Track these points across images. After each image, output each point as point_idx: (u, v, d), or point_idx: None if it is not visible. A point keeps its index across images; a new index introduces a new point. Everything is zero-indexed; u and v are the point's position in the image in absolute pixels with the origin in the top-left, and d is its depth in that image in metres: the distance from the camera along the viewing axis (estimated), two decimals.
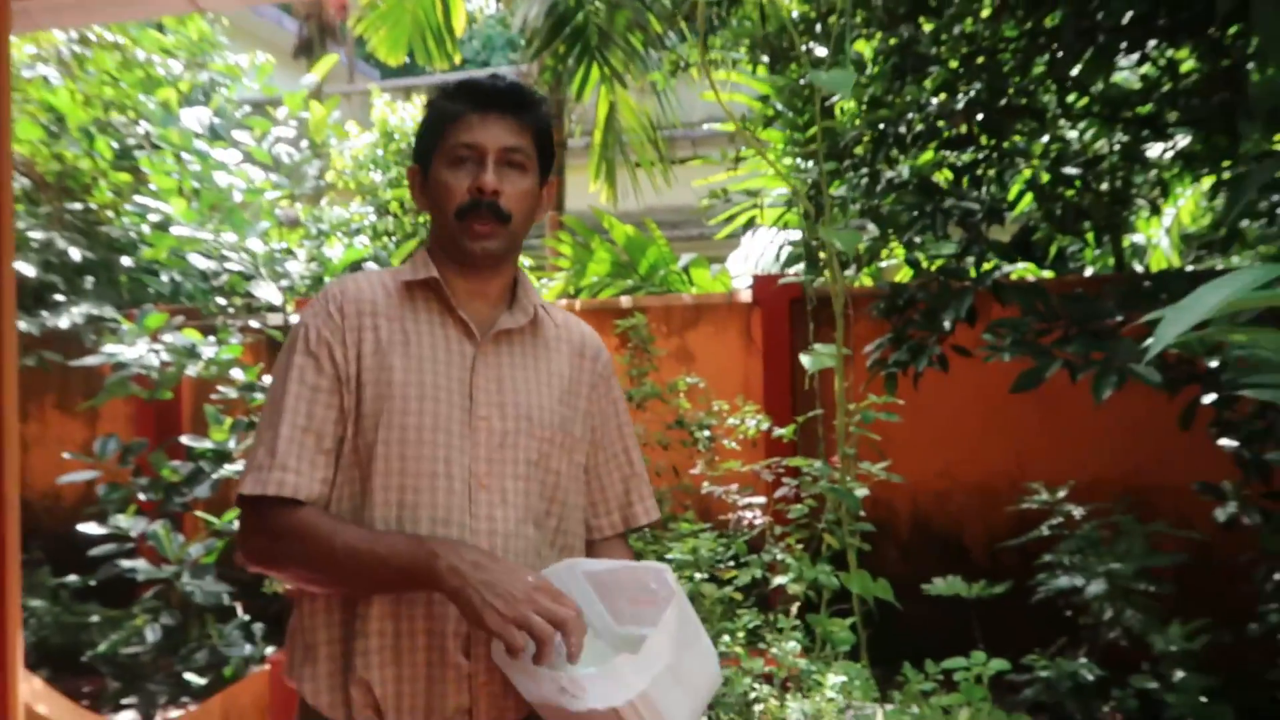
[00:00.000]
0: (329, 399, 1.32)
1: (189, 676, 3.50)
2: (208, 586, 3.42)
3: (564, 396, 1.41)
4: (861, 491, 2.24)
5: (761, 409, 3.74)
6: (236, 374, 4.11)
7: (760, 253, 5.87)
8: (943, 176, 3.06)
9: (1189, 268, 4.82)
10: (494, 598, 1.15)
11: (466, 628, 1.26)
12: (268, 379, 4.19)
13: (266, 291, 4.06)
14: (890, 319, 3.24)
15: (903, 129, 2.90)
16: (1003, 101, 2.97)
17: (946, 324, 2.83)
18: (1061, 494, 3.15)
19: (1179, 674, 3.20)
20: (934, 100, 3.01)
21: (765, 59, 4.89)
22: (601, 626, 1.26)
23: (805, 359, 2.17)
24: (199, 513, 3.90)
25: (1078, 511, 3.07)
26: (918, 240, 3.22)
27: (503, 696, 1.29)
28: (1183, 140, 3.99)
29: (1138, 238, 5.28)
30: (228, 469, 3.72)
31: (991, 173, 3.09)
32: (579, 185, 6.13)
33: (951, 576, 3.35)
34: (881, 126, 2.90)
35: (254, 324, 4.17)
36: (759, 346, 4.68)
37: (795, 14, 4.58)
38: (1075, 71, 3.36)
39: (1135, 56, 3.67)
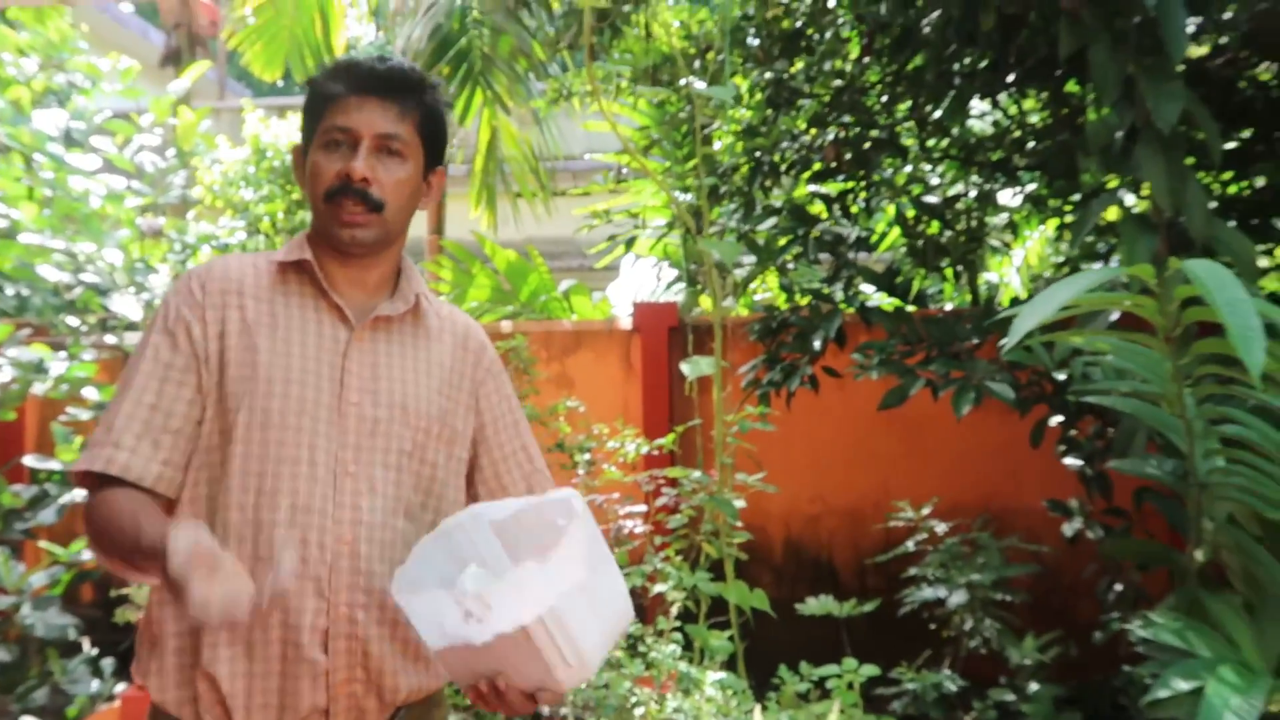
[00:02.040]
0: (182, 377, 1.27)
1: (26, 719, 3.24)
2: (51, 619, 3.18)
3: (444, 387, 1.38)
4: (739, 502, 2.29)
5: (641, 433, 3.79)
6: (89, 393, 3.87)
7: (639, 281, 5.97)
8: (814, 208, 3.20)
9: None
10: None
11: (325, 623, 1.22)
12: None
13: (126, 305, 3.85)
14: (764, 342, 3.34)
15: (777, 158, 3.02)
16: (870, 135, 3.13)
17: (817, 344, 2.94)
18: (926, 511, 3.30)
19: (1033, 685, 3.38)
20: (806, 133, 3.15)
21: (644, 90, 5.02)
22: (497, 567, 1.20)
23: (685, 366, 2.22)
24: (42, 543, 3.64)
25: (940, 528, 3.22)
26: (790, 266, 3.34)
27: (364, 696, 1.25)
28: (1030, 185, 4.30)
29: (991, 276, 5.62)
30: (77, 493, 3.49)
31: (859, 203, 3.24)
32: (459, 211, 6.08)
33: (824, 596, 3.47)
34: (757, 155, 3.01)
35: (110, 340, 3.95)
36: (638, 372, 4.74)
37: (676, 48, 4.73)
38: (936, 115, 3.59)
39: (987, 104, 3.95)
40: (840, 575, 4.58)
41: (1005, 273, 5.49)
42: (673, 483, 2.57)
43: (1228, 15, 2.79)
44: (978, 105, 4.25)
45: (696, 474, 2.40)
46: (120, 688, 3.59)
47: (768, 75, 3.39)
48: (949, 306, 5.50)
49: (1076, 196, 4.06)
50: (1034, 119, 4.06)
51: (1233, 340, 1.24)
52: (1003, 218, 4.60)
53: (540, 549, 1.18)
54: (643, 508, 2.58)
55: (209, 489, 1.26)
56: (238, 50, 6.13)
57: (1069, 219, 4.22)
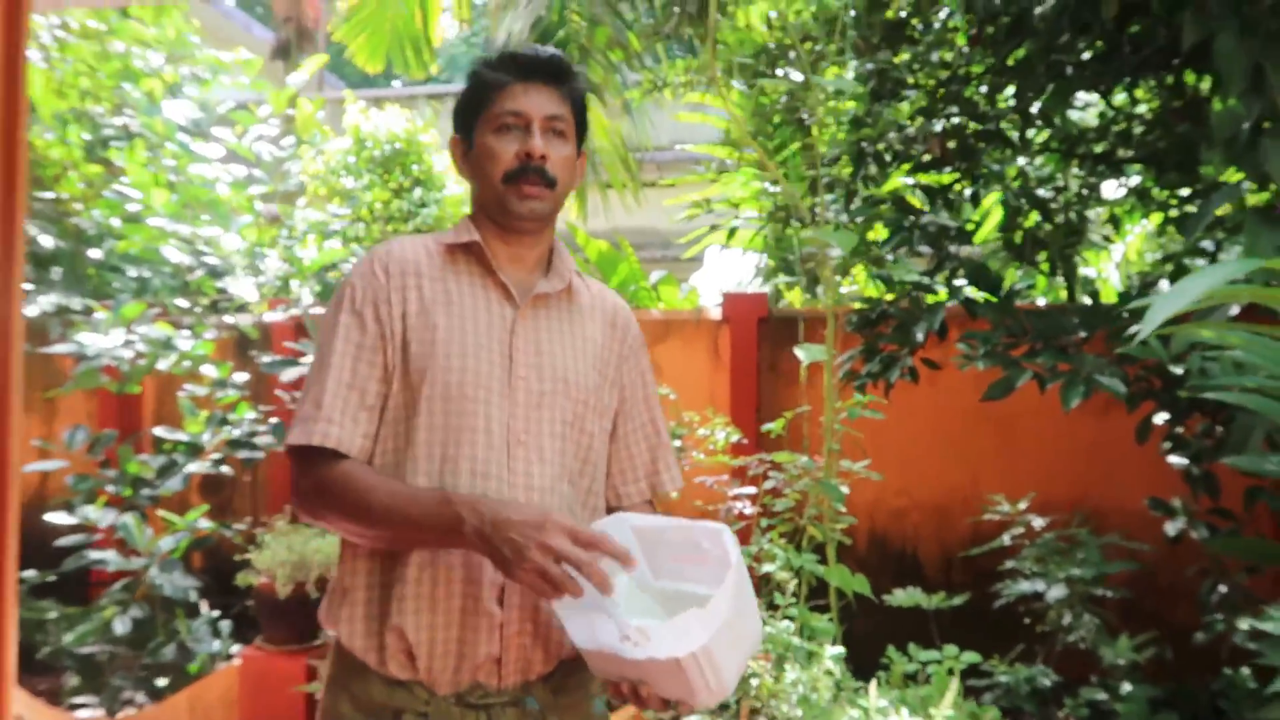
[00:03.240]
0: (372, 356, 1.37)
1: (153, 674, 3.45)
2: (177, 580, 3.38)
3: (596, 362, 1.46)
4: (844, 487, 2.33)
5: (730, 421, 3.83)
6: (207, 370, 4.08)
7: (724, 272, 6.00)
8: (914, 200, 3.19)
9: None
10: (514, 554, 1.19)
11: (502, 579, 1.31)
12: (238, 376, 4.19)
13: (243, 288, 4.04)
14: (862, 333, 3.35)
15: (881, 148, 3.03)
16: (975, 127, 3.12)
17: (919, 336, 2.95)
18: (1023, 505, 3.28)
19: (1126, 685, 3.34)
20: (910, 124, 3.15)
21: (740, 84, 5.04)
22: (640, 579, 1.30)
23: (799, 352, 2.26)
24: (162, 512, 3.86)
25: (1037, 522, 3.20)
26: (889, 258, 3.35)
27: (532, 648, 1.34)
28: (1135, 178, 4.21)
29: (1088, 272, 5.50)
30: (200, 464, 3.69)
31: (965, 193, 3.23)
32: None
33: (911, 588, 3.48)
34: (862, 146, 3.02)
35: (228, 320, 4.15)
36: (726, 362, 4.78)
37: (772, 43, 4.75)
38: (1037, 106, 3.54)
39: (1091, 95, 3.88)
40: (924, 569, 4.56)
41: (1104, 268, 5.38)
42: (778, 467, 2.62)
43: None
44: (1081, 96, 4.18)
45: (804, 459, 2.45)
46: (236, 648, 3.80)
47: (869, 66, 3.40)
48: (1041, 302, 5.43)
49: (1184, 191, 3.98)
50: (1141, 110, 3.98)
51: None
52: (1102, 211, 4.52)
53: (678, 560, 1.28)
54: (752, 490, 2.64)
55: (395, 457, 1.36)
56: (340, 43, 6.35)
57: (1174, 213, 4.13)
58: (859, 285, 5.12)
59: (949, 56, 3.13)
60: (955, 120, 3.19)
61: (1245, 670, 3.19)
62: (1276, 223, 2.31)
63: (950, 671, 2.20)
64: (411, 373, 1.36)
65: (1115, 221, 4.60)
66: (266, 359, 4.07)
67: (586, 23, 4.96)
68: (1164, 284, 5.34)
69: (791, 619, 2.09)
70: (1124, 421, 3.56)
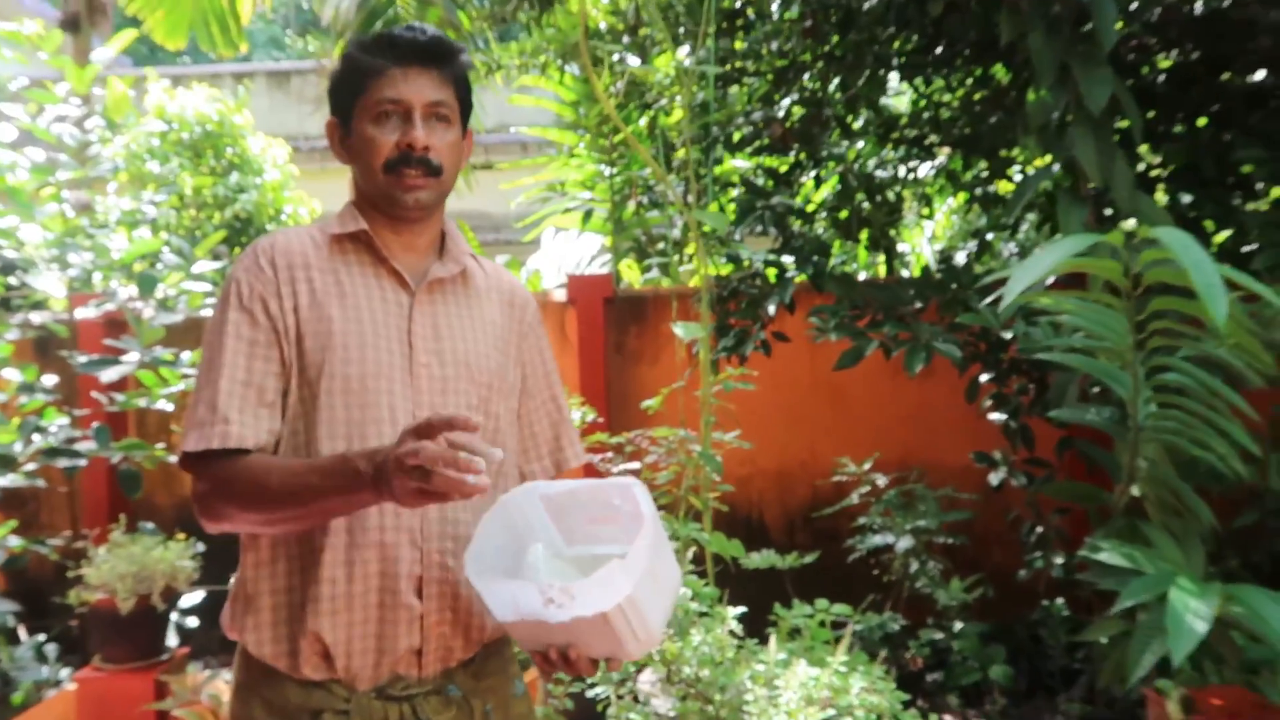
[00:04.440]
0: (267, 352, 1.32)
1: None
2: None
3: (497, 343, 1.45)
4: (717, 458, 2.44)
5: (585, 401, 3.89)
6: (9, 374, 3.72)
7: (565, 255, 6.03)
8: (767, 182, 3.35)
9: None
10: (393, 481, 1.10)
11: (419, 570, 1.30)
12: (47, 379, 3.84)
13: (48, 283, 3.70)
14: (712, 309, 3.49)
15: (735, 135, 3.15)
16: (815, 113, 3.30)
17: (771, 310, 3.10)
18: (867, 466, 3.52)
19: (959, 624, 3.68)
20: (754, 109, 3.29)
21: (572, 67, 5.07)
22: (554, 547, 1.31)
23: (678, 329, 2.33)
24: None
25: (880, 481, 3.44)
26: (736, 237, 3.49)
27: (452, 636, 1.33)
28: (942, 160, 4.58)
29: (902, 246, 5.92)
30: (11, 476, 3.36)
31: (806, 175, 3.41)
32: None
33: (765, 550, 3.67)
34: (711, 131, 3.14)
35: (34, 318, 3.79)
36: (573, 343, 4.83)
37: (604, 25, 4.80)
38: (860, 92, 3.79)
39: (904, 84, 4.19)
40: (770, 532, 4.80)
41: (917, 243, 5.81)
42: (654, 442, 2.70)
43: (1133, 6, 3.08)
44: (893, 85, 4.50)
45: (682, 432, 2.54)
46: (65, 672, 3.51)
47: (701, 52, 3.52)
48: (862, 275, 5.80)
49: (985, 172, 4.38)
50: (948, 98, 4.34)
51: (1201, 295, 1.44)
52: (917, 192, 4.89)
53: (591, 522, 1.29)
54: (636, 465, 2.70)
55: (296, 455, 1.31)
56: (139, 16, 5.88)
57: (979, 192, 4.54)
58: (694, 264, 5.30)
59: (786, 46, 3.29)
60: (794, 106, 3.36)
61: (1060, 601, 3.58)
62: (1084, 202, 2.60)
63: (821, 624, 2.36)
64: (308, 368, 1.31)
65: (927, 200, 4.98)
66: (82, 359, 3.75)
67: (417, 2, 4.85)
68: (960, 256, 5.86)
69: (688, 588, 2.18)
70: (942, 384, 3.89)
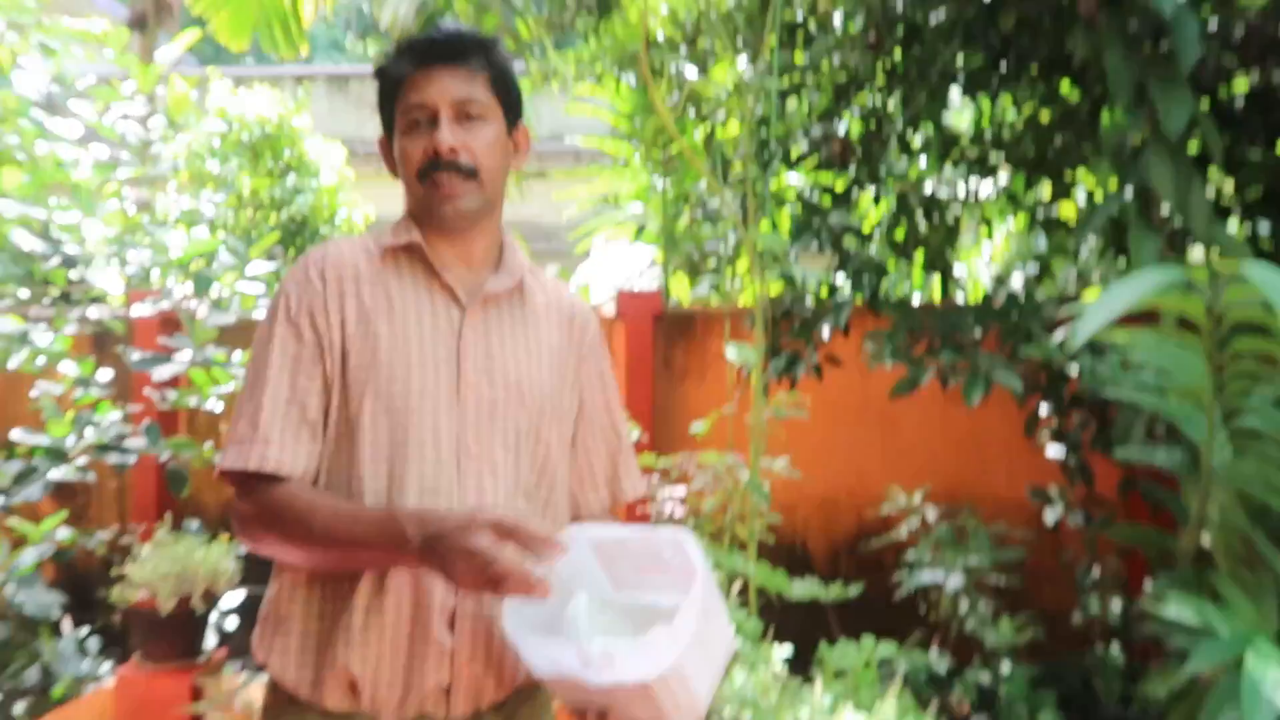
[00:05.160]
0: (311, 369, 1.28)
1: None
2: (39, 597, 3.11)
3: (553, 366, 1.38)
4: (765, 486, 2.36)
5: (631, 419, 3.83)
6: (66, 367, 3.78)
7: (614, 267, 5.98)
8: (825, 199, 3.27)
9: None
10: (450, 561, 1.10)
11: (453, 603, 1.24)
12: (102, 373, 3.88)
13: (107, 279, 3.75)
14: (766, 331, 3.41)
15: (794, 150, 3.08)
16: (876, 130, 3.21)
17: (825, 332, 3.01)
18: (918, 498, 3.41)
19: (1007, 666, 3.54)
20: (814, 124, 3.21)
21: (629, 77, 5.03)
22: (601, 595, 1.24)
23: (731, 351, 2.26)
24: (12, 521, 3.54)
25: (931, 514, 3.33)
26: (791, 256, 3.41)
27: (484, 676, 1.27)
28: (1002, 180, 4.44)
29: (959, 268, 5.78)
30: (63, 469, 3.40)
31: (866, 193, 3.32)
32: None
33: (809, 579, 3.57)
34: (770, 146, 3.06)
35: (91, 314, 3.84)
36: (621, 360, 4.78)
37: (662, 35, 4.75)
38: (920, 109, 3.68)
39: (967, 100, 4.07)
40: (814, 561, 4.70)
41: (974, 266, 5.66)
42: (702, 467, 2.63)
43: (1214, 25, 2.94)
44: (954, 101, 4.38)
45: (730, 458, 2.47)
46: (106, 666, 3.53)
47: (762, 65, 3.45)
48: (916, 297, 5.67)
49: (1046, 194, 4.24)
50: (1011, 116, 4.21)
51: None
52: (976, 213, 4.75)
53: (641, 572, 1.22)
54: (682, 490, 2.63)
55: (340, 476, 1.27)
56: (204, 16, 5.98)
57: (1040, 215, 4.39)
58: (743, 283, 5.22)
59: (849, 61, 3.21)
60: (856, 122, 3.27)
61: (1115, 647, 3.43)
62: (1156, 230, 2.48)
63: (867, 663, 2.26)
64: (351, 385, 1.27)
65: (986, 221, 4.84)
66: (136, 355, 3.79)
67: (474, 8, 4.85)
68: (1016, 279, 5.70)
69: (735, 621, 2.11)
70: (996, 413, 3.75)
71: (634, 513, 2.63)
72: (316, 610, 1.26)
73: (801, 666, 2.94)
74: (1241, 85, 3.30)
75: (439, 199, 1.30)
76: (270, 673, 1.28)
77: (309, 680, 1.25)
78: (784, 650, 2.02)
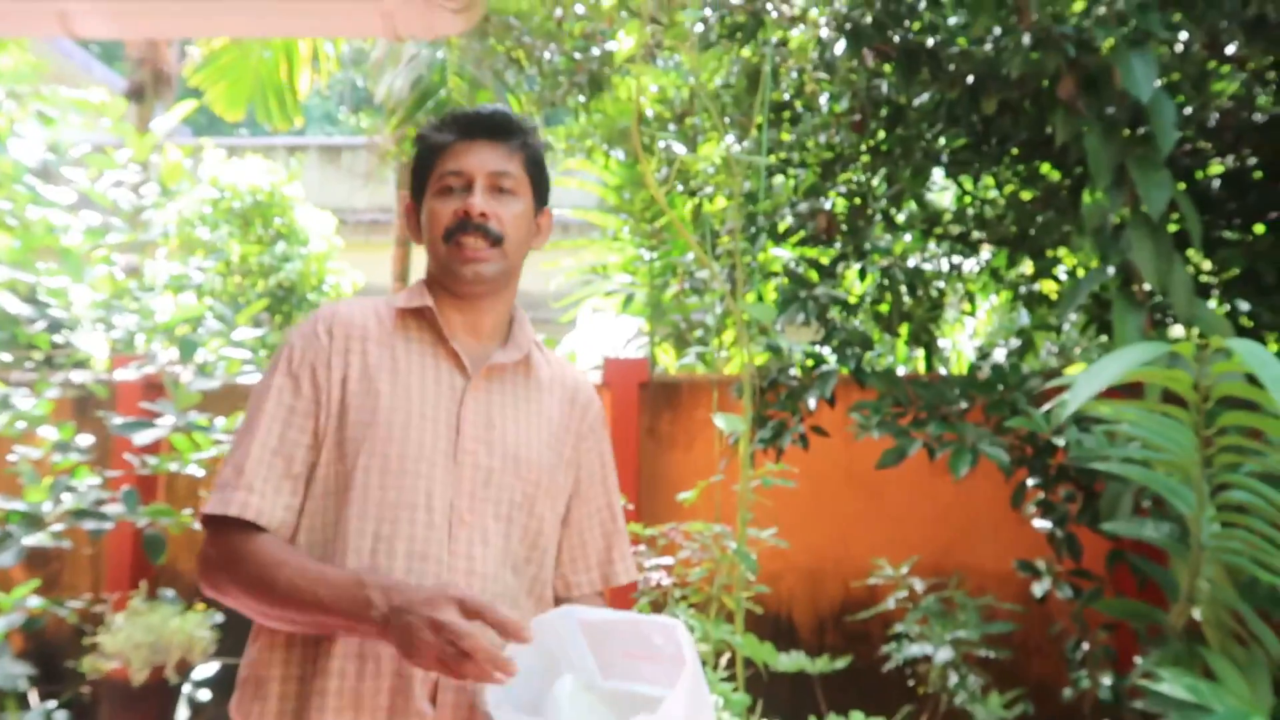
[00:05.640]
0: (303, 422, 1.28)
1: None
2: (7, 668, 3.02)
3: (552, 441, 1.38)
4: (753, 555, 2.35)
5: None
6: (46, 431, 3.74)
7: (600, 336, 6.03)
8: (811, 273, 3.32)
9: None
10: (411, 639, 1.10)
11: (436, 674, 1.21)
12: (82, 438, 3.84)
13: (93, 343, 3.73)
14: (753, 401, 3.42)
15: (781, 226, 3.14)
16: (860, 207, 3.28)
17: (811, 403, 3.03)
18: (905, 570, 3.39)
19: None
20: (800, 200, 3.28)
21: (618, 152, 5.14)
22: (587, 679, 1.22)
23: (719, 420, 2.27)
24: None
25: (918, 585, 3.31)
26: (778, 328, 3.45)
27: None
28: (985, 257, 4.53)
29: (943, 342, 5.85)
30: (38, 536, 3.34)
31: (853, 270, 3.38)
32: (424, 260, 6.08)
33: (795, 652, 3.53)
34: (757, 220, 3.12)
35: (75, 378, 3.82)
36: (608, 427, 4.78)
37: (651, 112, 4.87)
38: (904, 187, 3.78)
39: (948, 179, 4.18)
40: (799, 632, 4.64)
41: (957, 340, 5.73)
42: (688, 536, 2.62)
43: (1189, 110, 3.05)
44: (937, 180, 4.50)
45: (718, 528, 2.46)
46: None
47: (746, 143, 3.54)
48: (901, 371, 5.73)
49: (1028, 270, 4.32)
50: (993, 195, 4.31)
51: None
52: (959, 287, 4.84)
53: (629, 657, 1.20)
54: (669, 560, 2.62)
55: (324, 534, 1.26)
56: (201, 87, 6.08)
57: (1023, 291, 4.48)
58: (731, 353, 5.27)
59: (834, 140, 3.29)
60: (841, 199, 3.35)
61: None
62: (1140, 307, 2.53)
63: None
64: (347, 441, 1.27)
65: (970, 296, 4.93)
66: (117, 420, 3.76)
67: (468, 85, 4.97)
68: (999, 353, 5.77)
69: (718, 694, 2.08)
70: (982, 485, 3.76)
71: (625, 596, 2.62)
72: (295, 673, 1.24)
73: None
74: (1216, 169, 3.41)
75: (462, 259, 1.33)
76: None
77: None
78: None
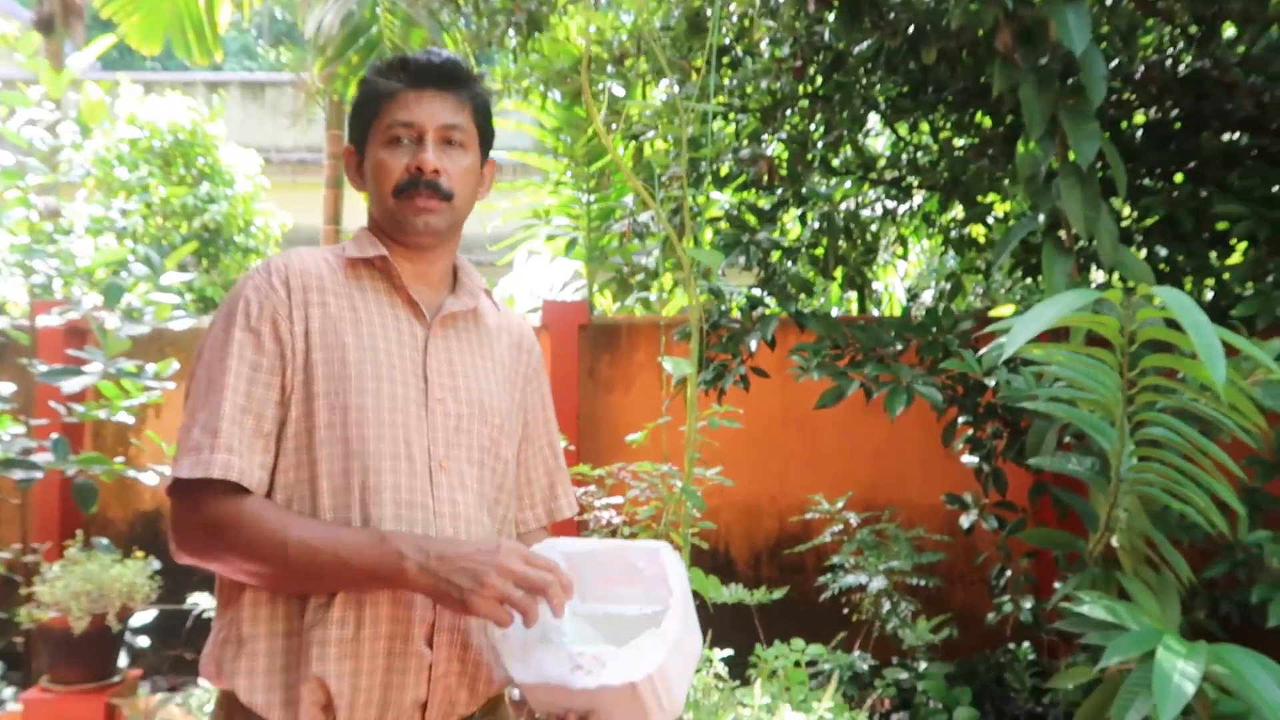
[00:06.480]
0: (269, 379, 1.26)
1: None
2: None
3: (506, 385, 1.41)
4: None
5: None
6: None
7: (540, 280, 6.01)
8: (749, 217, 3.36)
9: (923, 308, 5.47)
10: (470, 583, 1.13)
11: (432, 616, 1.24)
12: (4, 386, 3.72)
13: (11, 288, 3.60)
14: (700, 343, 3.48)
15: (722, 170, 3.17)
16: (800, 153, 3.33)
17: (752, 345, 3.10)
18: (840, 504, 3.52)
19: (924, 665, 3.68)
20: (742, 145, 3.31)
21: (555, 94, 5.07)
22: (569, 605, 1.26)
23: (667, 363, 2.32)
24: None
25: (853, 519, 3.44)
26: (720, 273, 3.50)
27: (457, 689, 1.28)
28: (917, 201, 4.64)
29: (876, 285, 5.99)
30: None
31: (794, 215, 3.43)
32: (360, 202, 5.94)
33: (734, 585, 3.65)
34: (700, 165, 3.15)
35: None
36: (546, 369, 4.79)
37: (590, 54, 4.81)
38: (844, 133, 3.83)
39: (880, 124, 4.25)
40: (737, 565, 4.79)
41: (889, 282, 5.87)
42: (636, 476, 2.68)
43: (1115, 62, 3.15)
44: (872, 126, 4.57)
45: (665, 467, 2.52)
46: (9, 692, 3.38)
47: (690, 88, 3.54)
48: (835, 312, 5.85)
49: (958, 215, 4.45)
50: (927, 141, 4.40)
51: (1202, 357, 1.46)
52: (892, 231, 4.95)
53: (606, 582, 1.26)
54: (619, 499, 2.67)
55: (298, 490, 1.25)
56: (115, 19, 5.79)
57: (954, 235, 4.61)
58: (669, 296, 5.31)
59: (775, 85, 3.32)
60: (781, 144, 3.38)
61: (1026, 645, 3.60)
62: (1068, 253, 2.63)
63: (797, 664, 2.34)
64: (318, 396, 1.25)
65: (903, 241, 5.05)
66: (43, 367, 3.65)
67: (401, 22, 4.83)
68: (927, 295, 5.93)
69: None
70: (911, 423, 3.91)
71: (570, 531, 2.68)
72: (283, 628, 1.23)
73: (732, 669, 3.02)
74: (1139, 119, 3.53)
75: (412, 212, 1.32)
76: (238, 695, 1.23)
77: (279, 701, 1.21)
78: (721, 653, 2.07)
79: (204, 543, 1.22)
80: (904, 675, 3.68)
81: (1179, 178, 3.24)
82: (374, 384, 1.28)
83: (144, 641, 3.63)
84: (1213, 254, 3.14)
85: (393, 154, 1.33)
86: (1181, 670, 1.61)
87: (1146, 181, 3.39)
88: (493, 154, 1.50)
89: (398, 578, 1.16)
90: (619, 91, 4.41)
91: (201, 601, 3.75)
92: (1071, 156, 2.55)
